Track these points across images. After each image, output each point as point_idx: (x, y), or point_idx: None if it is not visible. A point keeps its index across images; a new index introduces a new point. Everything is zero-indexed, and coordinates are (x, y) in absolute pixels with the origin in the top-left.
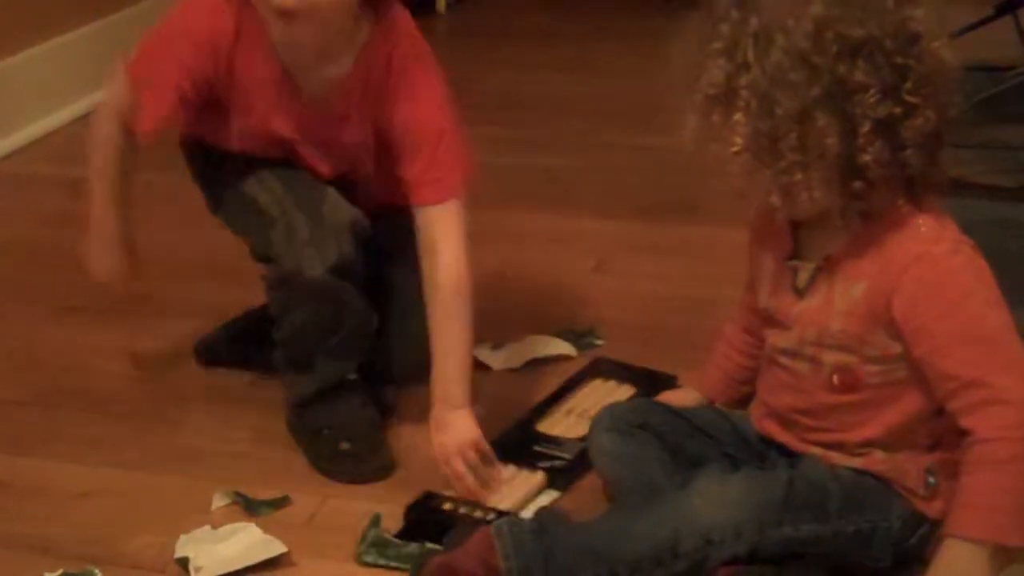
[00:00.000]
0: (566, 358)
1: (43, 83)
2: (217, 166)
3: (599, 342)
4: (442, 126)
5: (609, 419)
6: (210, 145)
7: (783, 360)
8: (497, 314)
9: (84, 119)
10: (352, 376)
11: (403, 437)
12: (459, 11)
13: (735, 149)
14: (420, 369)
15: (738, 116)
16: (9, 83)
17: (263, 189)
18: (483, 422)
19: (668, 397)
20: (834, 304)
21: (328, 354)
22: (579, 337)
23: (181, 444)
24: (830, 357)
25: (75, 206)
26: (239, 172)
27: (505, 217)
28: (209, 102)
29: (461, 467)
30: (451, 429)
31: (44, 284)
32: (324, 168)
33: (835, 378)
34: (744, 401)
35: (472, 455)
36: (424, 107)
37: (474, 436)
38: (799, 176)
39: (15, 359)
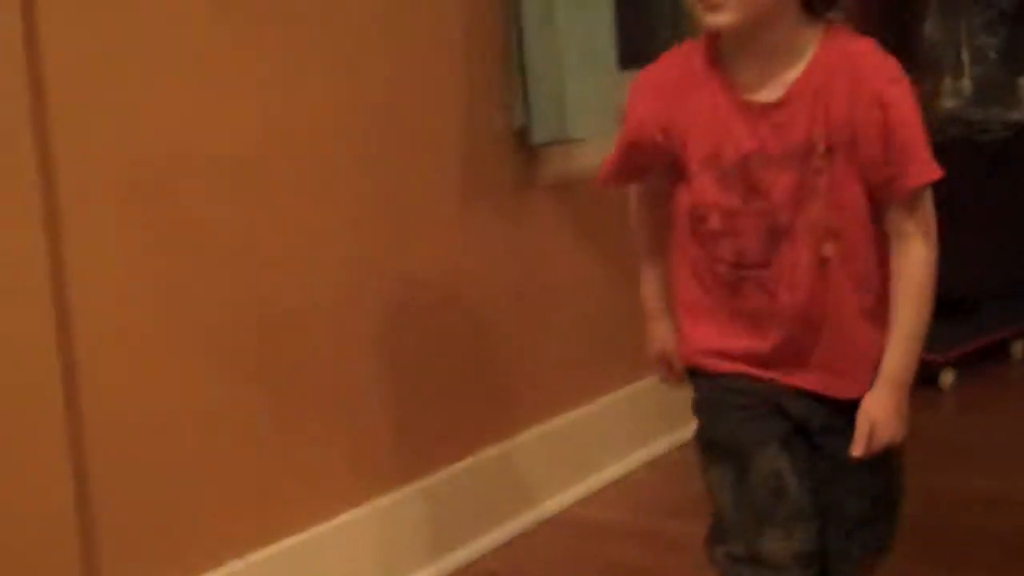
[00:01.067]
0: None
1: (620, 425)
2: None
3: None
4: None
5: None
6: None
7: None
8: None
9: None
10: None
11: None
12: (962, 388)
13: None
14: None
15: None
16: (594, 424)
17: (717, 480)
18: None
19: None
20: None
21: None
22: None
23: None
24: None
25: (643, 556)
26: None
27: None
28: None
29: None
30: (875, 402)
31: None
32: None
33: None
34: None
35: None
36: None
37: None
38: None
39: None
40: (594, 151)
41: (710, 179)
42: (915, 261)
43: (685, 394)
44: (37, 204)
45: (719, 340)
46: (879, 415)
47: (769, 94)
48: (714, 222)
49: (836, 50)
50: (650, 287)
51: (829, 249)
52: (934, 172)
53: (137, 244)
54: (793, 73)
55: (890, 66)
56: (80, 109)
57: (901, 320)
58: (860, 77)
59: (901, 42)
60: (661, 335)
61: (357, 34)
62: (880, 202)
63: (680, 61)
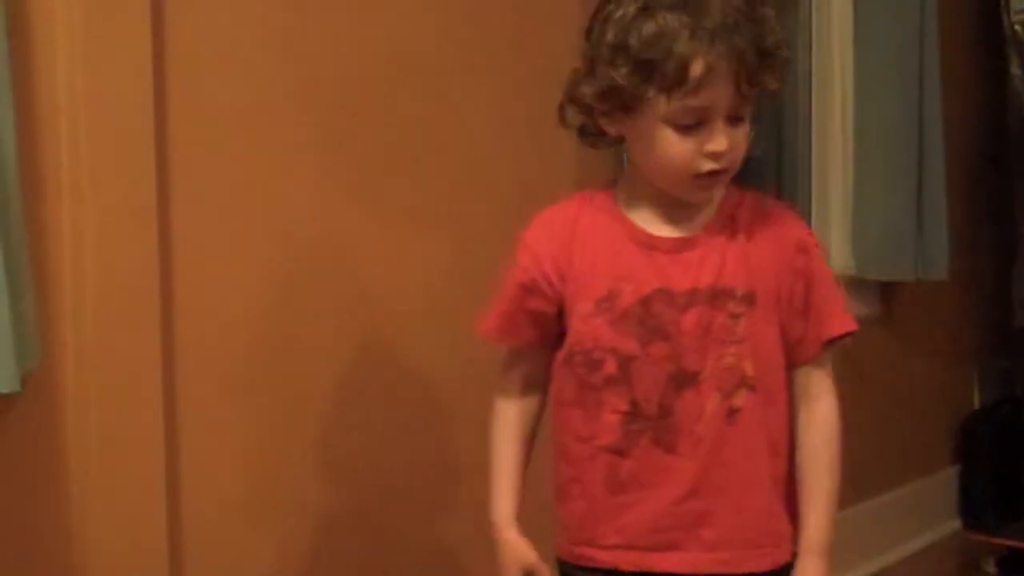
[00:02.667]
0: None
1: None
2: None
3: None
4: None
5: None
6: None
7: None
8: None
9: None
10: None
11: None
12: None
13: None
14: None
15: None
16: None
17: None
18: None
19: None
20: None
21: None
22: None
23: None
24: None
25: None
26: None
27: None
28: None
29: None
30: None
31: None
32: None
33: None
34: None
35: None
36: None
37: None
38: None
39: None
40: None
41: (605, 322)
42: (829, 419)
43: None
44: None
45: (591, 526)
46: None
47: (677, 231)
48: (609, 368)
49: (749, 203)
50: (507, 505)
51: (742, 399)
52: (851, 324)
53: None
54: (705, 214)
55: (803, 223)
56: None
57: (822, 484)
58: (784, 228)
59: (1004, 224)
60: (521, 551)
61: None
62: (790, 360)
63: (581, 202)
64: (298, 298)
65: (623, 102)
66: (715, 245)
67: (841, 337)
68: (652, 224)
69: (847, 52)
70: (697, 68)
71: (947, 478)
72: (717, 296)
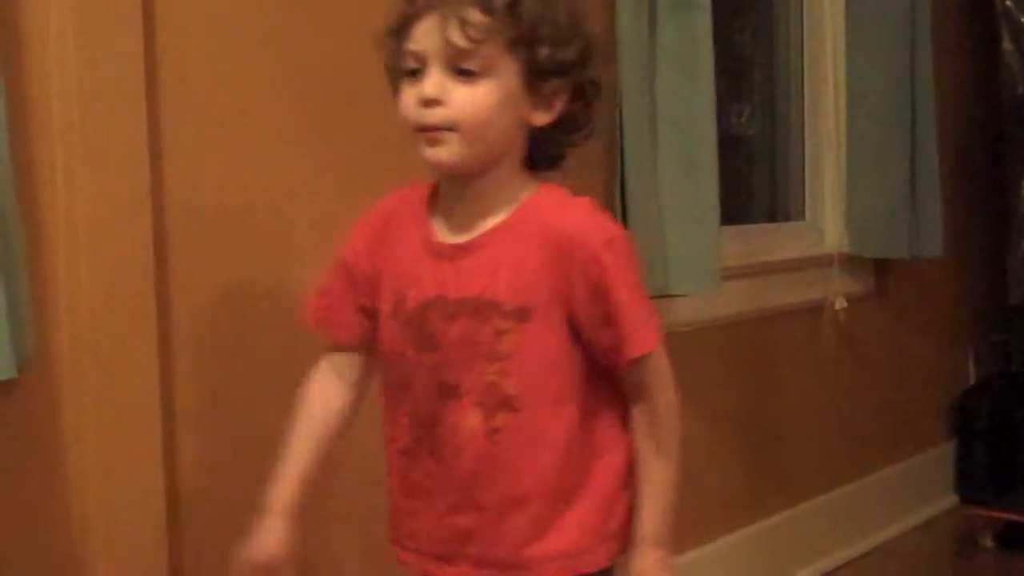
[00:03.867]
0: None
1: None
2: None
3: None
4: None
5: None
6: None
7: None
8: None
9: None
10: None
11: None
12: None
13: None
14: None
15: None
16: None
17: None
18: None
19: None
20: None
21: None
22: None
23: None
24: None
25: None
26: None
27: None
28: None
29: None
30: (642, 562)
31: None
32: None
33: None
34: None
35: None
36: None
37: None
38: None
39: None
40: (694, 306)
41: (396, 326)
42: (660, 411)
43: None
44: None
45: (395, 525)
46: (651, 570)
47: (460, 237)
48: (399, 371)
49: (545, 207)
50: (280, 490)
51: (502, 419)
52: (649, 344)
53: None
54: (492, 221)
55: (606, 227)
56: None
57: (656, 476)
58: (577, 234)
59: (997, 200)
60: (269, 538)
61: None
62: (608, 366)
63: (402, 197)
64: (291, 287)
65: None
66: (492, 252)
67: (642, 356)
68: (444, 226)
69: (839, 30)
70: (409, 8)
71: (943, 454)
72: (483, 308)
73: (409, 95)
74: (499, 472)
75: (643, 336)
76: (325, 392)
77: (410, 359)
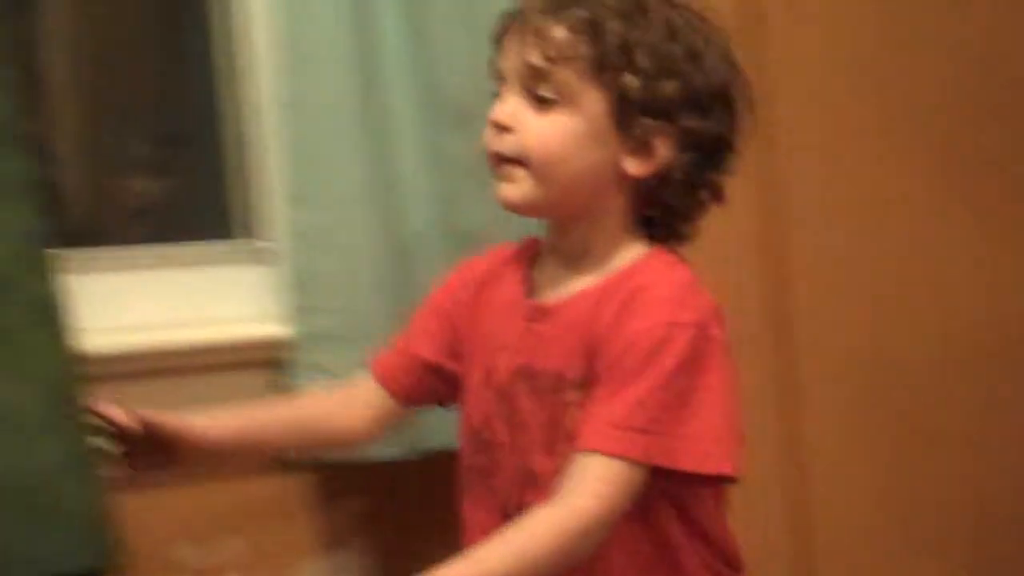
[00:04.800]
0: None
1: None
2: None
3: None
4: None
5: None
6: None
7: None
8: None
9: None
10: None
11: None
12: None
13: None
14: None
15: None
16: None
17: None
18: None
19: None
20: None
21: None
22: None
23: None
24: None
25: None
26: None
27: None
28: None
29: None
30: None
31: None
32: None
33: None
34: None
35: None
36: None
37: None
38: None
39: None
40: None
41: (487, 399)
42: (558, 518)
43: None
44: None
45: None
46: None
47: (547, 298)
48: (481, 455)
49: (640, 273)
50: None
51: None
52: (613, 444)
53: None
54: (582, 283)
55: (683, 310)
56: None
57: (486, 553)
58: (634, 307)
59: None
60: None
61: None
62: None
63: (511, 249)
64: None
65: None
66: (574, 319)
67: (597, 451)
68: (540, 283)
69: None
70: (504, 20)
71: None
72: (559, 383)
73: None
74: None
75: (611, 436)
76: (334, 403)
77: (499, 438)
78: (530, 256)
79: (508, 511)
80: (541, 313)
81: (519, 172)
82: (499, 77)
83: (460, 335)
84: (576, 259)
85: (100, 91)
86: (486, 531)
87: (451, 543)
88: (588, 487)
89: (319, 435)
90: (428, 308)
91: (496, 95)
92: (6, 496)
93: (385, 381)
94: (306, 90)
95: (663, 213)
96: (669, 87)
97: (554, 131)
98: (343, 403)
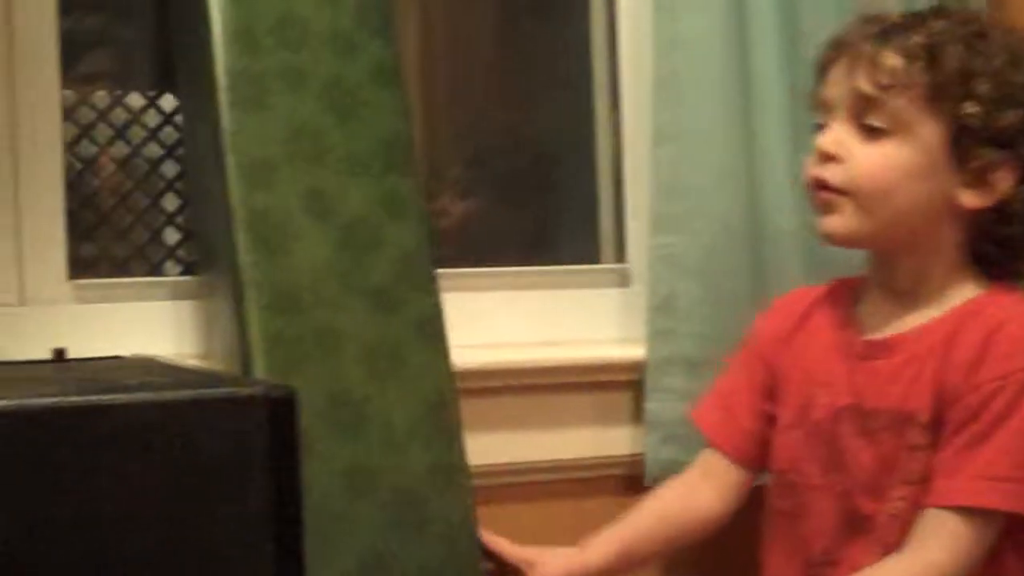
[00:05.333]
0: None
1: None
2: None
3: None
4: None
5: None
6: None
7: None
8: None
9: None
10: None
11: None
12: None
13: None
14: None
15: None
16: None
17: None
18: None
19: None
20: None
21: None
22: None
23: None
24: None
25: None
26: None
27: None
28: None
29: None
30: None
31: None
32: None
33: None
34: None
35: None
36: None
37: None
38: None
39: None
40: None
41: (799, 437)
42: (901, 566)
43: None
44: None
45: None
46: None
47: (878, 334)
48: (789, 498)
49: (987, 310)
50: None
51: None
52: (975, 496)
53: None
54: (918, 318)
55: None
56: None
57: None
58: (992, 348)
59: None
60: (556, 560)
61: None
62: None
63: (825, 289)
64: None
65: None
66: (915, 354)
67: (962, 508)
68: (867, 321)
69: None
70: (829, 51)
71: None
72: (899, 422)
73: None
74: None
75: (975, 489)
76: (688, 489)
77: (812, 480)
78: (847, 293)
79: (813, 559)
80: (876, 348)
81: (844, 203)
82: (823, 106)
83: (776, 379)
84: (908, 294)
85: (481, 110)
86: (792, 568)
87: None
88: (944, 542)
89: (685, 531)
90: (743, 368)
91: (818, 127)
92: (382, 502)
93: (727, 450)
94: (681, 119)
95: (1000, 248)
96: (1011, 116)
97: (884, 162)
98: (696, 487)
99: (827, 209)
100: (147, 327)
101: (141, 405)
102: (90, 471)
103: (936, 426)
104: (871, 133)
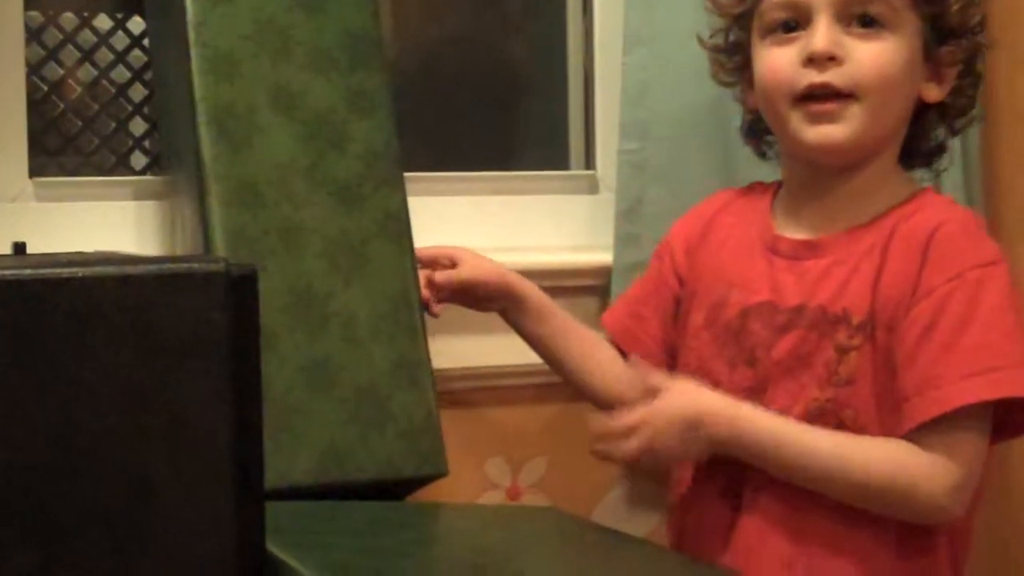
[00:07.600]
0: None
1: None
2: None
3: None
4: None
5: None
6: None
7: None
8: None
9: None
10: None
11: None
12: None
13: None
14: None
15: None
16: None
17: None
18: None
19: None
20: None
21: None
22: None
23: None
24: None
25: None
26: None
27: None
28: None
29: None
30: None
31: None
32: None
33: None
34: None
35: None
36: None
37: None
38: None
39: None
40: None
41: (708, 338)
42: (919, 478)
43: None
44: None
45: None
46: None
47: (810, 231)
48: None
49: (921, 211)
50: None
51: None
52: (959, 396)
53: None
54: (853, 220)
55: (982, 248)
56: None
57: (816, 432)
58: (935, 250)
59: None
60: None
61: None
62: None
63: (735, 193)
64: None
65: (737, 44)
66: (849, 255)
67: (943, 416)
68: (789, 220)
69: None
70: None
71: None
72: (826, 321)
73: (780, 57)
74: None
75: (955, 388)
76: (613, 363)
77: (719, 378)
78: (765, 195)
79: (722, 457)
80: (802, 248)
81: (849, 107)
82: (793, 8)
83: (686, 283)
84: (847, 200)
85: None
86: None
87: None
88: (951, 451)
89: (590, 381)
90: (654, 276)
91: (786, 30)
92: (342, 397)
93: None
94: (653, 22)
95: (928, 143)
96: (978, 12)
97: (889, 57)
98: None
99: (827, 119)
100: (109, 226)
101: (102, 278)
102: (52, 345)
103: (870, 328)
104: (867, 29)
